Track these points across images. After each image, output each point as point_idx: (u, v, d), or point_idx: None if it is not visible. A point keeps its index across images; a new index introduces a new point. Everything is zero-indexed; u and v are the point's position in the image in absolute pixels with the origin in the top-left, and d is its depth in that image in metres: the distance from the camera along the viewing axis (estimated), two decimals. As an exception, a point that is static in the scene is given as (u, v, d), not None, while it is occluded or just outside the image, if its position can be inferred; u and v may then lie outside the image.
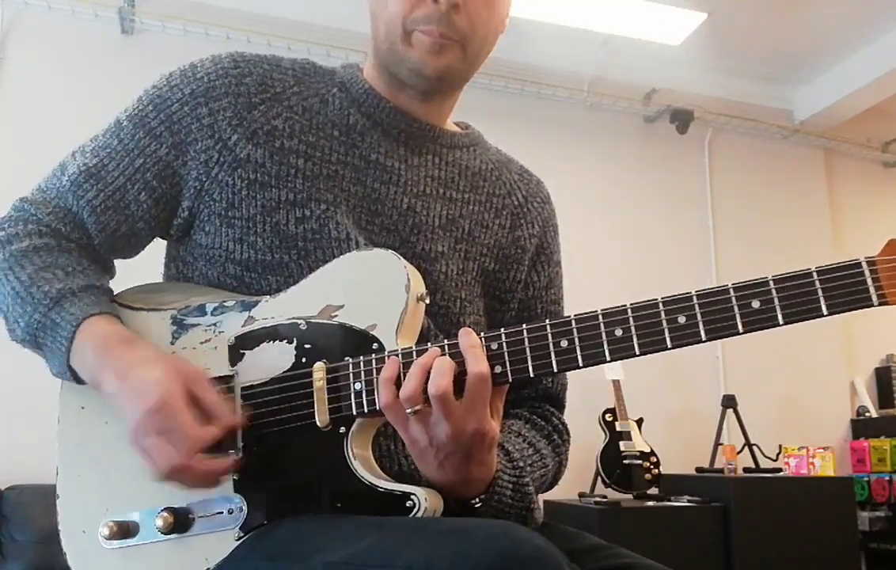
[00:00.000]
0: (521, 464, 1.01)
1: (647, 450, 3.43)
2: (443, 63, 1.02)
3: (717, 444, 3.71)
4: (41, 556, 2.59)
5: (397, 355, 0.89)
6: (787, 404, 4.21)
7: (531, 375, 0.87)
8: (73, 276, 0.98)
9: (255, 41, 3.49)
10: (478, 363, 0.85)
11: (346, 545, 0.79)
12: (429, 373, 0.85)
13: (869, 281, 0.80)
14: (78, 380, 0.95)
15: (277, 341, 0.94)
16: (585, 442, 3.36)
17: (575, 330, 0.86)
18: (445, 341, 0.88)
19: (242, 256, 1.00)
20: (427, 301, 0.95)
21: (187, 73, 1.04)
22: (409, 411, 0.85)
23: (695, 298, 0.83)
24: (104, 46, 3.44)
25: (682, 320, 0.83)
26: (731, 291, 0.83)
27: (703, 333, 0.83)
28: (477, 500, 0.94)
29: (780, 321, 0.81)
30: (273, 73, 1.06)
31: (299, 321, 0.94)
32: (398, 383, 0.86)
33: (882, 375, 4.49)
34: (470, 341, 0.86)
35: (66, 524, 0.96)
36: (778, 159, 4.55)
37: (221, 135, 1.02)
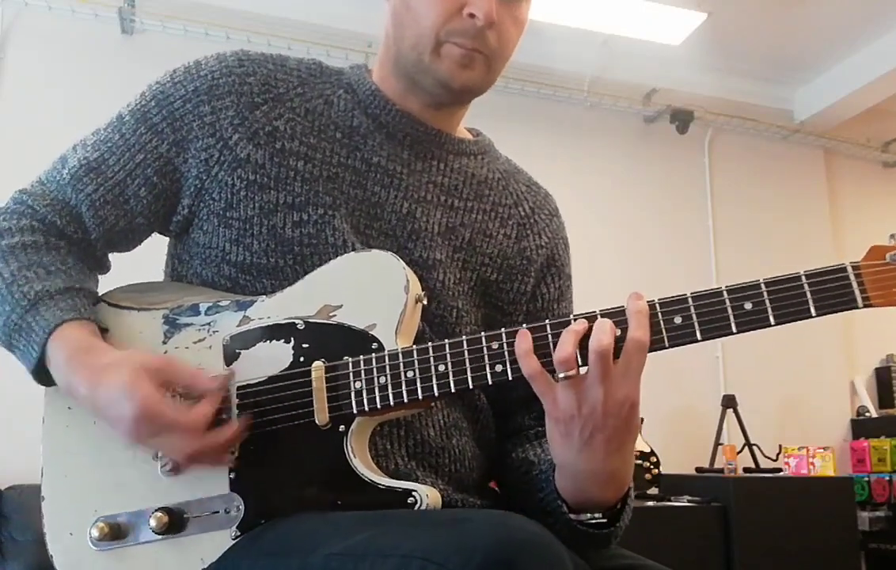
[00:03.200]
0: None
1: (647, 450, 3.43)
2: (469, 77, 1.02)
3: (717, 444, 3.72)
4: (41, 556, 2.54)
5: (397, 355, 0.89)
6: (787, 404, 4.21)
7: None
8: (55, 276, 0.96)
9: (254, 41, 3.49)
10: (640, 328, 0.83)
11: (347, 537, 0.79)
12: (581, 339, 0.84)
13: (854, 285, 0.83)
14: (49, 383, 0.95)
15: (274, 341, 0.94)
16: (585, 442, 3.35)
17: None
18: (597, 310, 0.86)
19: (238, 258, 1.00)
20: (425, 302, 0.95)
21: (191, 70, 1.04)
22: (562, 375, 0.83)
23: (690, 299, 0.86)
24: (104, 46, 3.45)
25: (678, 320, 0.85)
26: (725, 292, 0.85)
27: (698, 333, 0.85)
28: (601, 516, 0.93)
29: (772, 322, 0.84)
30: (277, 73, 1.06)
31: (297, 321, 0.94)
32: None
33: (882, 375, 4.49)
34: (638, 306, 0.85)
35: (52, 527, 0.95)
36: (778, 159, 4.55)
37: (223, 134, 1.01)
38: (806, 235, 4.45)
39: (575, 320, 0.86)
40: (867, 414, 4.33)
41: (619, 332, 0.84)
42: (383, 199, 1.05)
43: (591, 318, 0.86)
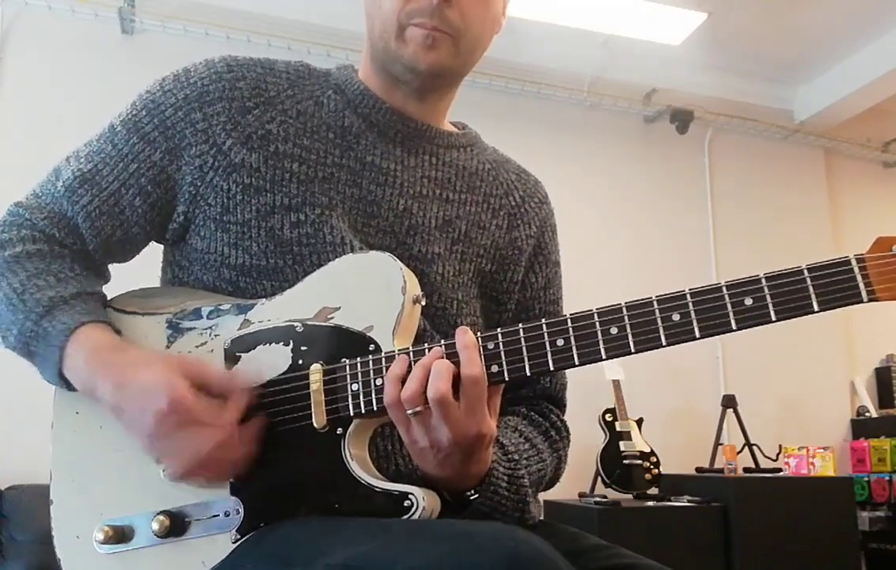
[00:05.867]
0: (517, 457, 1.01)
1: (647, 450, 3.43)
2: (435, 58, 1.01)
3: (717, 444, 3.71)
4: (41, 556, 2.58)
5: (394, 357, 0.89)
6: (787, 404, 4.21)
7: (528, 374, 0.86)
8: (65, 283, 0.97)
9: (255, 41, 3.49)
10: (471, 365, 0.84)
11: (347, 547, 0.78)
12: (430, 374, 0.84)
13: (858, 278, 0.80)
14: (70, 388, 0.95)
15: (274, 344, 0.94)
16: (585, 442, 3.36)
17: (570, 329, 0.86)
18: (443, 342, 0.88)
19: (237, 261, 1.00)
20: (423, 303, 0.95)
21: (181, 78, 1.04)
22: (409, 412, 0.85)
23: (688, 296, 0.84)
24: (104, 46, 3.45)
25: (676, 317, 0.83)
26: (724, 288, 0.83)
27: (696, 330, 0.83)
28: (472, 492, 0.93)
29: (773, 318, 0.82)
30: (267, 76, 1.06)
31: (296, 324, 0.94)
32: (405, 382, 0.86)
33: (882, 375, 4.48)
34: (465, 341, 0.86)
35: (60, 530, 0.96)
36: (778, 159, 4.55)
37: (216, 139, 1.01)
38: (806, 235, 4.45)
39: (443, 346, 0.87)
40: (867, 414, 4.33)
41: (457, 369, 0.84)
42: (379, 197, 1.05)
43: (450, 347, 0.86)
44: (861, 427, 4.28)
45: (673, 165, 4.32)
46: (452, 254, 1.08)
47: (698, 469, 3.67)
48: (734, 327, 0.82)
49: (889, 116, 4.55)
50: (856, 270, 0.80)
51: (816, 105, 4.42)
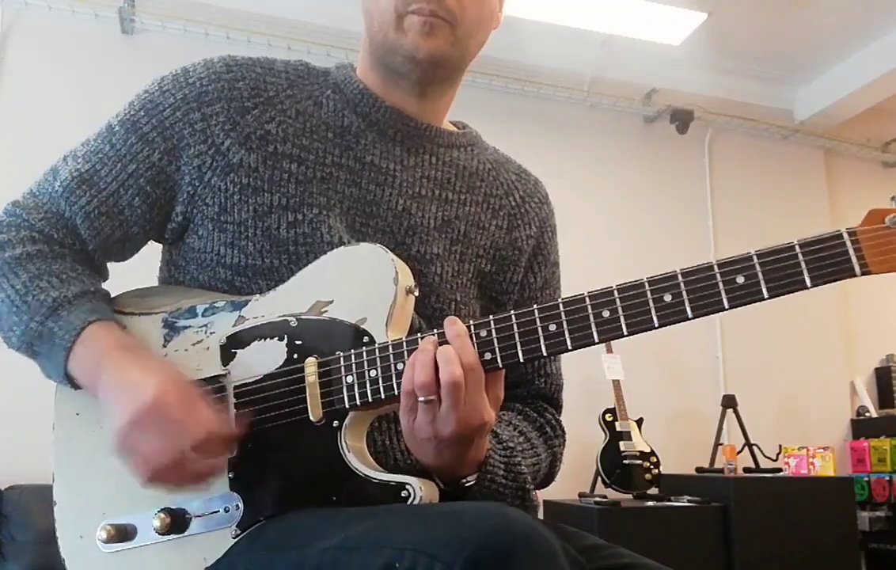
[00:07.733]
0: (512, 445, 1.01)
1: (647, 450, 3.43)
2: (434, 45, 1.01)
3: (717, 444, 3.71)
4: (41, 556, 2.59)
5: (387, 348, 0.89)
6: (787, 404, 4.21)
7: (521, 359, 0.86)
8: (69, 283, 0.97)
9: (254, 41, 3.50)
10: (464, 353, 0.85)
11: (342, 530, 0.79)
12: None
13: (851, 251, 0.80)
14: (75, 386, 0.95)
15: (268, 339, 0.94)
16: (585, 442, 3.36)
17: (563, 313, 0.86)
18: (435, 331, 0.88)
19: (233, 261, 1.00)
20: (416, 294, 0.95)
21: (179, 78, 1.04)
22: (422, 399, 0.84)
23: (680, 276, 0.83)
24: (104, 46, 3.45)
25: (668, 298, 0.83)
26: (716, 267, 0.83)
27: (689, 310, 0.83)
28: (469, 479, 0.93)
29: (765, 295, 0.81)
30: (266, 76, 1.06)
31: (290, 318, 0.95)
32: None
33: (882, 375, 4.48)
34: (455, 330, 0.86)
35: (64, 530, 0.96)
36: (778, 159, 4.55)
37: (214, 140, 1.01)
38: (805, 234, 4.39)
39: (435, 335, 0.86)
40: (867, 414, 4.33)
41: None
42: (378, 197, 1.05)
43: (440, 336, 0.86)
44: (861, 427, 4.28)
45: (673, 164, 4.32)
46: (451, 254, 1.08)
47: (698, 469, 3.67)
48: (726, 305, 0.82)
49: (889, 116, 4.55)
50: (848, 243, 0.80)
51: (816, 105, 4.42)
